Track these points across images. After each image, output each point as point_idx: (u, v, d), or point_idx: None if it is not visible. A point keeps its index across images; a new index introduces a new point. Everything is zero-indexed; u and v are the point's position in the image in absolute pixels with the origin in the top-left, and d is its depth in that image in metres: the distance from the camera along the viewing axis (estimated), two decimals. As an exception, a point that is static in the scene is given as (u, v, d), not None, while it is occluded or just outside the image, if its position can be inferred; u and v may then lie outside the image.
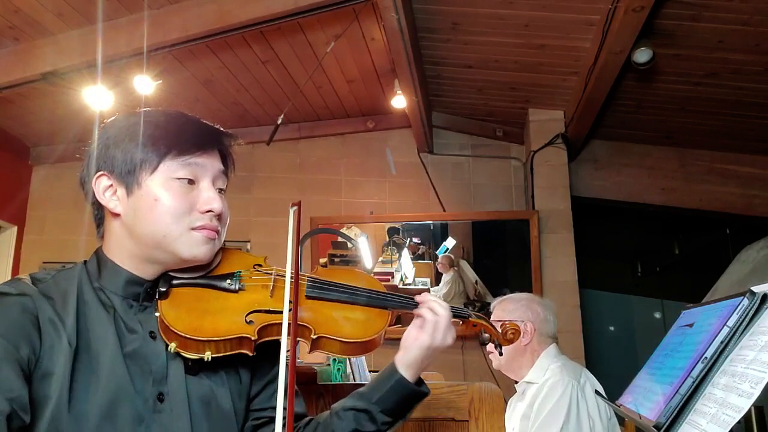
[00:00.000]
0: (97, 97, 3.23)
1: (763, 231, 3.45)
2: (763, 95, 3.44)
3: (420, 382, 1.07)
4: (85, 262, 1.02)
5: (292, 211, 0.99)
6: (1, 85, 3.25)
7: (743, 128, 3.85)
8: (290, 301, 0.93)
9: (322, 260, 4.20)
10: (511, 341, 1.14)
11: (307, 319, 1.01)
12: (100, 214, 1.03)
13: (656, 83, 3.49)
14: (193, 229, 0.97)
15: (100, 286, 0.98)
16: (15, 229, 4.26)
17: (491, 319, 2.28)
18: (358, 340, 1.02)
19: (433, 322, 1.05)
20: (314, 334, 0.99)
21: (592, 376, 2.10)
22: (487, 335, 1.16)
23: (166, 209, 0.95)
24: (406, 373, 1.04)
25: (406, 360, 1.04)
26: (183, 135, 1.00)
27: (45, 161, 4.39)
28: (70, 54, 3.11)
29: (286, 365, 0.81)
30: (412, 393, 1.04)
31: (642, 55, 3.01)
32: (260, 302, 1.01)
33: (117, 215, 0.99)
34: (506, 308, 2.25)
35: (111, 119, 1.04)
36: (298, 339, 1.02)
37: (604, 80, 3.31)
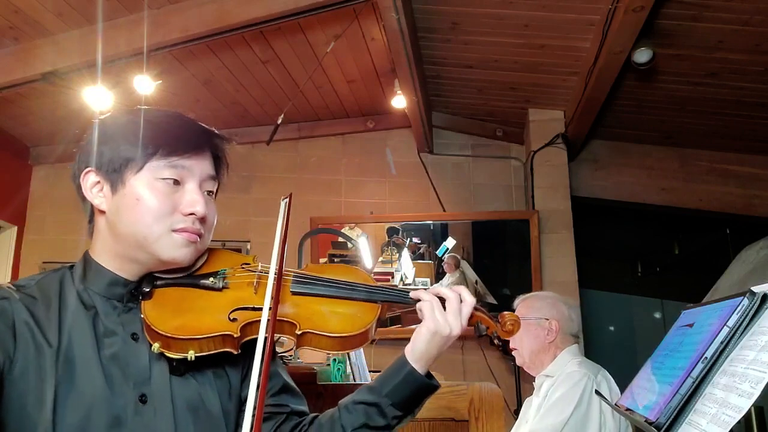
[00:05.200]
0: (97, 97, 3.22)
1: (763, 231, 3.44)
2: (764, 95, 3.43)
3: (429, 375, 1.05)
4: (71, 266, 1.02)
5: (283, 203, 0.99)
6: (1, 85, 3.24)
7: (743, 128, 3.85)
8: (272, 297, 0.93)
9: (322, 260, 4.20)
10: (510, 332, 1.10)
11: (291, 315, 1.00)
12: (90, 209, 1.02)
13: (656, 83, 3.49)
14: (174, 231, 0.96)
15: (85, 287, 0.97)
16: (15, 229, 4.25)
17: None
18: (346, 335, 1.00)
19: (428, 305, 1.02)
20: (299, 330, 0.98)
21: (611, 378, 2.10)
22: (483, 326, 1.10)
23: (147, 209, 0.95)
24: (416, 364, 1.02)
25: (414, 351, 1.03)
26: (172, 135, 0.98)
27: (45, 161, 4.38)
28: (70, 54, 3.11)
29: (262, 358, 0.82)
30: (423, 385, 1.03)
31: (642, 55, 3.01)
32: (244, 299, 1.00)
33: (103, 212, 0.99)
34: (532, 305, 2.29)
35: (105, 115, 1.03)
36: (284, 336, 1.02)
37: (604, 80, 3.31)
